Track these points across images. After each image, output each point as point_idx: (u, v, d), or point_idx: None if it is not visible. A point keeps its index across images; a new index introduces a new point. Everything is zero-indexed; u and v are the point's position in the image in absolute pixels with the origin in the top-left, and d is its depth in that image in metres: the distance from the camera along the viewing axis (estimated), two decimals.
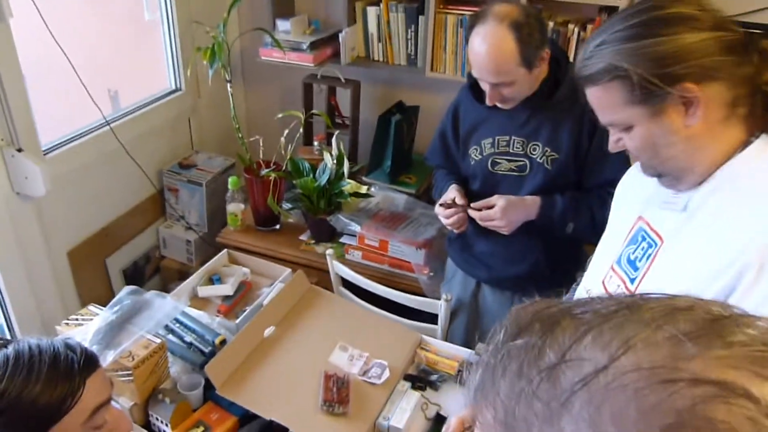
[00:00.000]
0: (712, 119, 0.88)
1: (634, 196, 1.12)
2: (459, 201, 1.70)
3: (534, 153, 1.64)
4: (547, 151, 1.62)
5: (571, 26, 2.16)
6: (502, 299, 1.85)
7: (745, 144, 0.90)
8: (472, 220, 1.70)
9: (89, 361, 0.97)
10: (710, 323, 0.35)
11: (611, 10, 2.04)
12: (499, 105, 1.59)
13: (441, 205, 1.72)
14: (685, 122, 0.88)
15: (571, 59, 1.85)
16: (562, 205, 1.62)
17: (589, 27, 2.15)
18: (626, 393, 0.32)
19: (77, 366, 0.94)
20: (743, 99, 0.88)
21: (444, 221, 1.73)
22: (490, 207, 1.64)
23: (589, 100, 0.96)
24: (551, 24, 2.15)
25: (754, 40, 0.89)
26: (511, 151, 1.66)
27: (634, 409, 0.32)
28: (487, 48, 1.46)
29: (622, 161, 1.65)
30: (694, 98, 0.85)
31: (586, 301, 0.39)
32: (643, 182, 1.05)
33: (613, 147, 1.00)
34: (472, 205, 1.68)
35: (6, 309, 2.08)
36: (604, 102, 0.93)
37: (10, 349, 0.92)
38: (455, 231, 1.74)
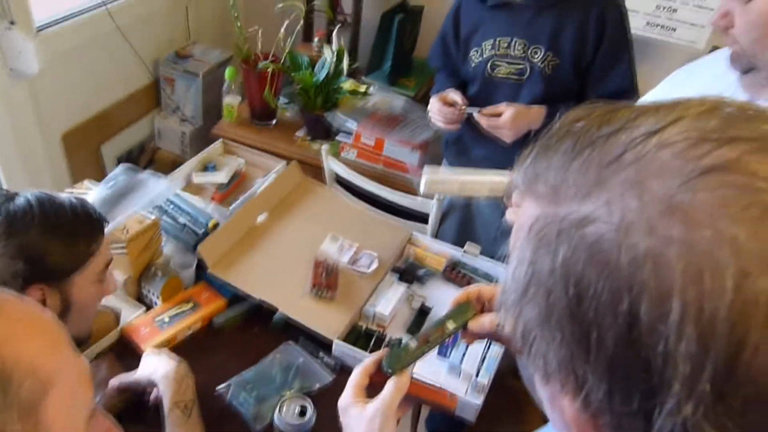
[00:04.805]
0: None
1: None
2: (460, 101, 1.67)
3: (535, 57, 1.60)
4: (549, 55, 1.58)
5: None
6: (494, 204, 1.87)
7: None
8: (470, 124, 1.68)
9: (104, 220, 1.06)
10: (760, 111, 0.37)
11: None
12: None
13: (440, 101, 1.69)
14: None
15: None
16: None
17: None
18: (674, 149, 0.34)
19: (98, 223, 1.02)
20: None
21: (435, 116, 1.70)
22: (498, 114, 1.62)
23: None
24: None
25: None
26: (511, 53, 1.63)
27: (680, 158, 0.33)
28: None
29: (627, 74, 1.63)
30: None
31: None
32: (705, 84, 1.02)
33: (716, 21, 0.96)
34: (481, 110, 1.65)
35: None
36: None
37: (32, 199, 0.94)
38: (445, 126, 1.72)
